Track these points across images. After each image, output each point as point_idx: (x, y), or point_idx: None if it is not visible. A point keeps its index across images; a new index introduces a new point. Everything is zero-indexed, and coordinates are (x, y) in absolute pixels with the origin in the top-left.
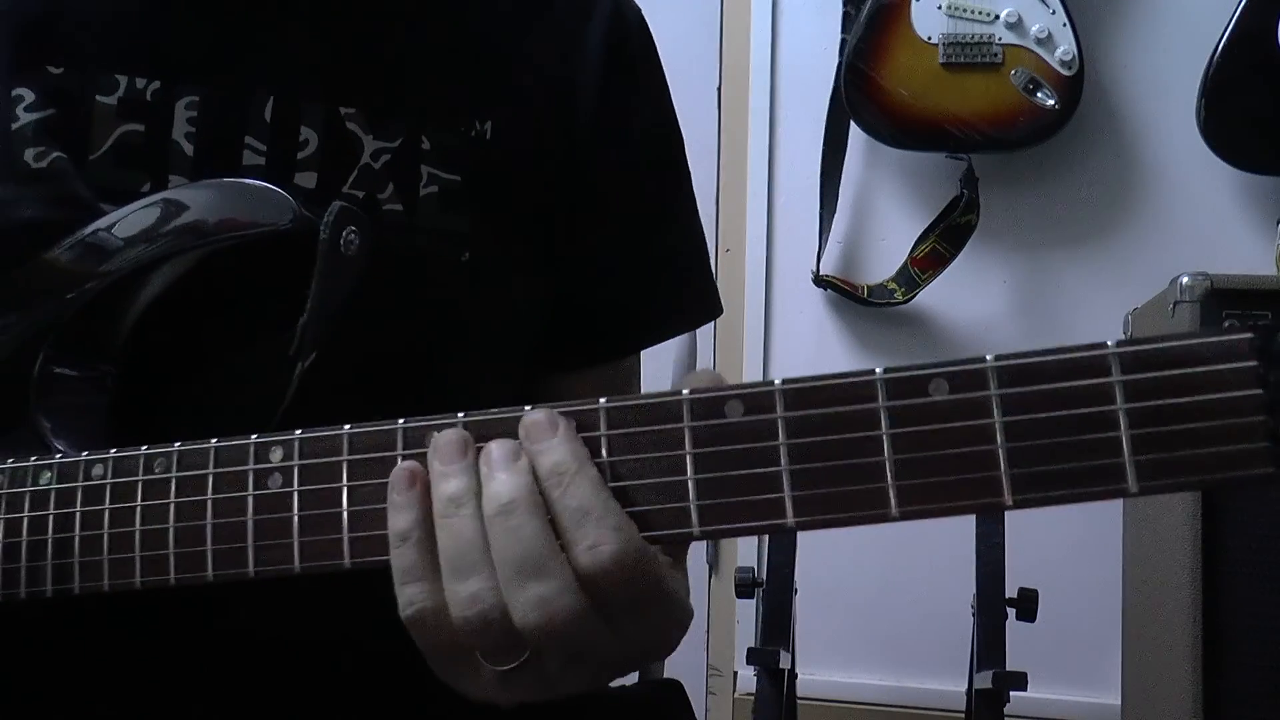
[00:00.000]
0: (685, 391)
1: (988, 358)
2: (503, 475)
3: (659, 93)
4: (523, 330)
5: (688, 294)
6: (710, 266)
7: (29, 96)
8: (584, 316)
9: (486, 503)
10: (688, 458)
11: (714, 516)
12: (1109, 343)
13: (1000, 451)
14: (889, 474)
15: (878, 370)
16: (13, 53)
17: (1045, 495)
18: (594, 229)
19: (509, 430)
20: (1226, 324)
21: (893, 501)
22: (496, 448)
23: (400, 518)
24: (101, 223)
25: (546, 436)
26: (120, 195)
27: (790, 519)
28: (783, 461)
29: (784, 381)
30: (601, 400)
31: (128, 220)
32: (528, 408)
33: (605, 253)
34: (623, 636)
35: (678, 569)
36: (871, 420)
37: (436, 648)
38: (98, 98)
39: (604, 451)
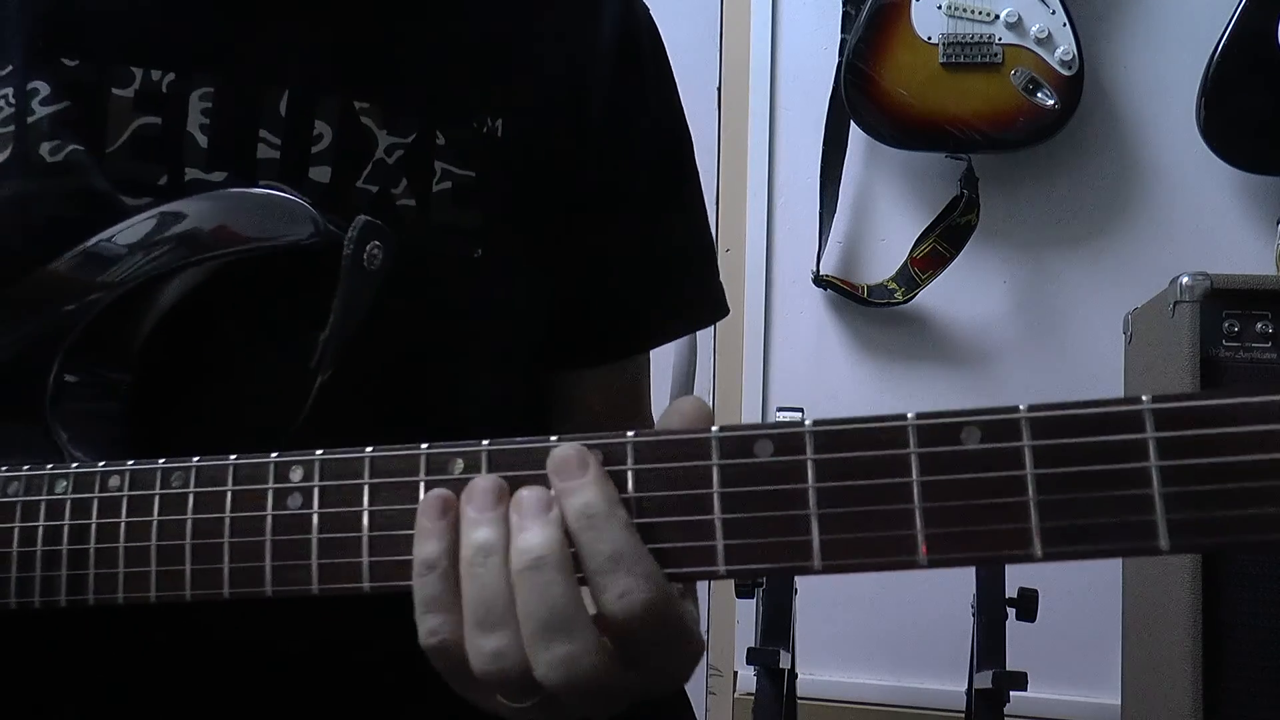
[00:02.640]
0: (714, 429)
1: (1020, 407)
2: (534, 528)
3: (668, 91)
4: (532, 327)
5: (694, 294)
6: (717, 266)
7: (44, 89)
8: (591, 315)
9: (515, 555)
10: (715, 496)
11: (740, 557)
12: (1144, 398)
13: (1031, 504)
14: (918, 521)
15: (910, 415)
16: (28, 46)
17: (1075, 549)
18: (602, 227)
19: (536, 462)
20: (1227, 325)
21: (921, 549)
22: (528, 496)
23: (428, 545)
24: (111, 230)
25: (577, 475)
26: (137, 187)
27: (817, 562)
28: (811, 504)
29: (815, 423)
30: (629, 434)
31: (138, 229)
32: (553, 439)
33: (612, 252)
34: (641, 675)
35: (689, 598)
36: (902, 466)
37: (455, 674)
38: (113, 90)
39: (630, 486)
